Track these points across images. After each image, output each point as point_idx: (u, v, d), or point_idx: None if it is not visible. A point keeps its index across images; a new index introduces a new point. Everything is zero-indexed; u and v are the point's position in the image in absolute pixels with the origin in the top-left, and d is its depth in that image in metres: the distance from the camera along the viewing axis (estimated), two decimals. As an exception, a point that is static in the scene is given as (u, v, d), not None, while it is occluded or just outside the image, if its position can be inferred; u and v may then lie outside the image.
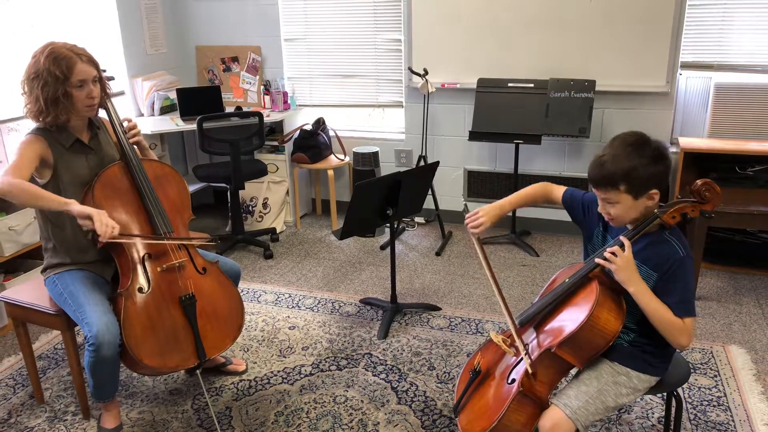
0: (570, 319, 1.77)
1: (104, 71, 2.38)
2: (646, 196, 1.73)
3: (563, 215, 2.37)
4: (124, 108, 4.31)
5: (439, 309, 3.31)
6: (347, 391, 2.65)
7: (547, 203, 2.13)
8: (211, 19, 4.76)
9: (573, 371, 1.90)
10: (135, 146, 2.43)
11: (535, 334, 1.90)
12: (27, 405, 2.62)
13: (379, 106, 4.69)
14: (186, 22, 4.83)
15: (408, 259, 4.00)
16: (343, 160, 4.55)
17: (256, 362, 2.88)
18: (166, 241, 2.33)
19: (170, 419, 2.51)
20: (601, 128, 4.03)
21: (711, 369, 2.72)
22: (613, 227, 1.89)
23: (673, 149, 3.75)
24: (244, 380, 2.74)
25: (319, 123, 4.57)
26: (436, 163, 3.19)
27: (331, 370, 2.80)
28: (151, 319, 2.23)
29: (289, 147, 4.47)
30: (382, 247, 4.17)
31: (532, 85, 3.91)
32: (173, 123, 4.27)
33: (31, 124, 2.32)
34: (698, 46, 3.79)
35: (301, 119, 4.67)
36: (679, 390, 2.10)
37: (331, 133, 4.63)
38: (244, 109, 4.64)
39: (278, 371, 2.80)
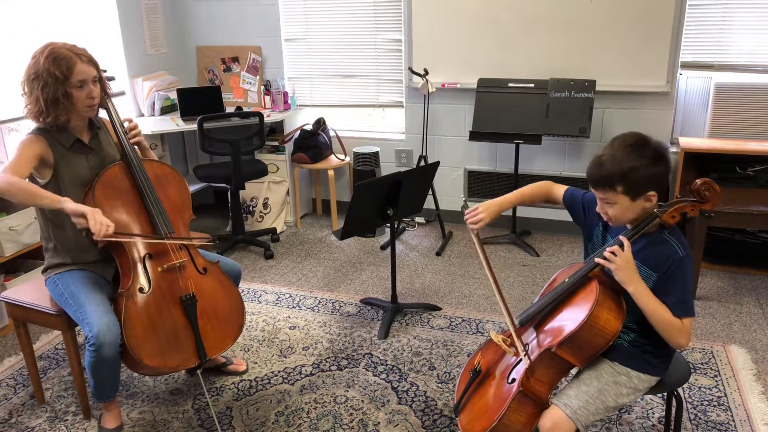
0: (570, 319, 1.77)
1: (104, 71, 2.38)
2: (644, 198, 1.73)
3: (563, 215, 2.37)
4: (124, 108, 4.31)
5: (439, 309, 3.31)
6: (348, 391, 2.65)
7: (548, 202, 2.13)
8: (212, 20, 4.77)
9: (573, 371, 1.91)
10: (135, 146, 2.43)
11: (535, 334, 1.91)
12: (28, 405, 2.62)
13: (379, 106, 4.69)
14: (186, 22, 4.83)
15: (408, 259, 4.01)
16: (343, 160, 4.55)
17: (256, 362, 2.88)
18: (161, 241, 2.32)
19: (171, 419, 2.51)
20: (602, 128, 4.03)
21: (711, 369, 2.72)
22: (613, 227, 1.89)
23: (673, 149, 3.76)
24: (245, 380, 2.74)
25: (320, 123, 4.57)
26: (437, 163, 3.19)
27: (331, 370, 2.80)
28: (152, 319, 2.23)
29: (289, 147, 4.47)
30: (383, 247, 4.17)
31: (532, 85, 3.91)
32: (174, 123, 4.27)
33: (31, 125, 2.32)
34: (698, 46, 3.79)
35: (301, 119, 4.67)
36: (680, 390, 2.10)
37: (332, 133, 4.63)
38: (245, 109, 4.65)
39: (279, 371, 2.80)
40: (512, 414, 1.78)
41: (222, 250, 4.03)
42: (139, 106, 4.53)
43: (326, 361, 2.87)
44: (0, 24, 3.47)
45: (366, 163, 4.37)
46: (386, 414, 2.50)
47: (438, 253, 4.06)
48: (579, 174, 4.13)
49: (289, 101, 4.59)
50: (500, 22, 4.00)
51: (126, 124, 2.43)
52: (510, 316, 1.96)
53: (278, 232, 4.44)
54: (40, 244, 2.49)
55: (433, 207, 4.27)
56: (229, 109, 4.61)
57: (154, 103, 4.50)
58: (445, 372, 2.76)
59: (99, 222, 2.07)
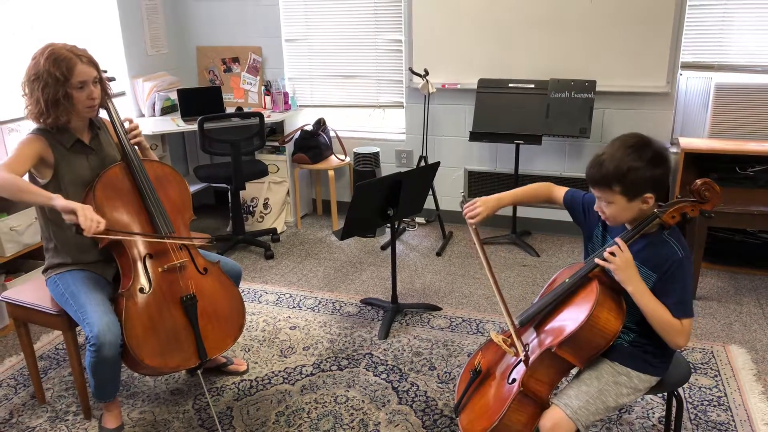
0: (570, 319, 1.77)
1: (105, 72, 2.39)
2: (641, 200, 1.73)
3: (563, 215, 2.37)
4: (124, 109, 4.32)
5: (439, 309, 3.31)
6: (348, 391, 2.65)
7: (548, 202, 2.13)
8: (212, 20, 4.77)
9: (573, 371, 1.91)
10: (136, 147, 2.44)
11: (535, 334, 1.91)
12: (28, 405, 2.63)
13: (379, 107, 4.69)
14: (187, 22, 4.84)
15: (408, 259, 4.01)
16: (343, 160, 4.55)
17: (257, 362, 2.88)
18: (154, 239, 2.32)
19: (171, 419, 2.51)
20: (602, 129, 4.03)
21: (711, 369, 2.72)
22: (613, 227, 1.89)
23: (673, 149, 3.76)
24: (245, 380, 2.75)
25: (320, 123, 4.58)
26: (437, 164, 3.19)
27: (332, 370, 2.80)
28: (152, 319, 2.24)
29: (289, 147, 4.47)
30: (383, 248, 4.18)
31: (532, 85, 3.91)
32: (174, 123, 4.28)
33: (32, 125, 2.32)
34: (698, 47, 3.79)
35: (301, 120, 4.67)
36: (680, 390, 2.10)
37: (332, 134, 4.63)
38: (245, 109, 4.65)
39: (279, 371, 2.81)
40: (513, 414, 1.78)
41: (222, 251, 4.03)
42: (139, 107, 4.53)
43: (327, 361, 2.87)
44: (0, 24, 3.47)
45: (366, 164, 4.37)
46: (387, 414, 2.50)
47: (438, 254, 4.06)
48: (579, 174, 4.13)
49: (290, 102, 4.59)
50: (501, 22, 4.00)
51: (126, 125, 2.43)
52: (509, 316, 1.96)
53: (278, 232, 4.44)
54: (41, 244, 2.49)
55: (434, 207, 4.28)
56: (230, 110, 4.61)
57: (154, 104, 4.50)
58: (445, 372, 2.76)
59: (89, 218, 2.05)
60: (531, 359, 1.82)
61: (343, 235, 2.97)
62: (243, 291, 3.53)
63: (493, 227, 4.35)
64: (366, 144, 4.57)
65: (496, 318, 3.21)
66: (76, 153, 2.34)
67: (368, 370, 2.79)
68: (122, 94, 4.36)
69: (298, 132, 4.53)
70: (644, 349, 1.84)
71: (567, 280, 1.88)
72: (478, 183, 4.45)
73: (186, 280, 2.34)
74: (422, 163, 4.24)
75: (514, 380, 1.84)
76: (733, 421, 2.39)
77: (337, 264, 3.96)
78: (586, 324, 1.71)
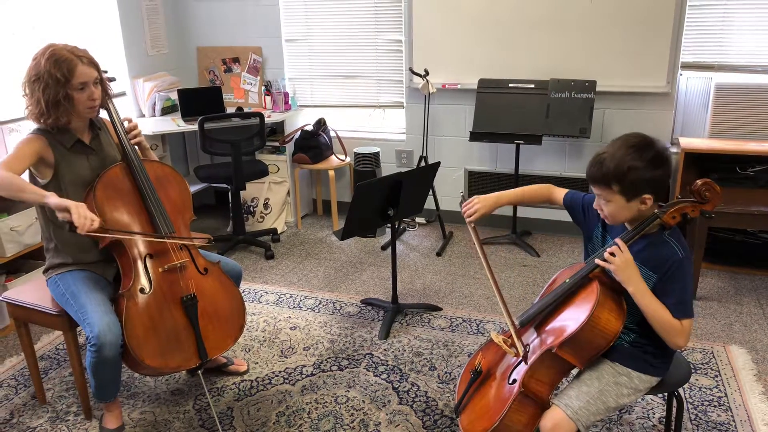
0: (571, 320, 1.77)
1: (105, 72, 2.39)
2: (639, 200, 1.73)
3: (564, 215, 2.37)
4: (125, 109, 4.32)
5: (440, 309, 3.31)
6: (348, 391, 2.65)
7: (548, 203, 2.13)
8: (212, 20, 4.77)
9: (574, 371, 1.91)
10: (136, 147, 2.44)
11: (536, 335, 1.91)
12: (29, 405, 2.63)
13: (379, 107, 4.69)
14: (187, 22, 4.84)
15: (409, 259, 4.01)
16: (343, 160, 4.55)
17: (257, 362, 2.88)
18: (155, 239, 2.32)
19: (172, 419, 2.51)
20: (602, 129, 4.03)
21: (712, 369, 2.72)
22: (613, 228, 1.90)
23: (673, 149, 3.75)
24: (246, 380, 2.75)
25: (320, 123, 4.58)
26: (437, 164, 3.19)
27: (332, 371, 2.80)
28: (153, 319, 2.24)
29: (290, 147, 4.48)
30: (383, 248, 4.18)
31: (532, 85, 3.91)
32: (174, 124, 4.28)
33: (32, 125, 2.32)
34: (699, 47, 3.79)
35: (302, 120, 4.68)
36: (680, 390, 2.10)
37: (332, 134, 4.63)
38: (245, 109, 4.65)
39: (279, 371, 2.81)
40: (513, 414, 1.78)
41: (223, 251, 4.03)
42: (140, 107, 4.54)
43: (327, 362, 2.87)
44: (1, 24, 3.47)
45: (366, 164, 4.37)
46: (387, 414, 2.50)
47: (438, 254, 4.06)
48: (579, 174, 4.14)
49: (290, 102, 4.59)
50: (501, 22, 4.00)
51: (126, 124, 2.43)
52: (509, 316, 1.96)
53: (279, 232, 4.44)
54: (41, 244, 2.49)
55: (434, 207, 4.28)
56: (230, 110, 4.61)
57: (154, 104, 4.50)
58: (445, 372, 2.77)
59: (83, 216, 2.04)
60: (531, 360, 1.82)
61: (344, 235, 2.97)
62: (243, 291, 3.53)
63: (493, 227, 4.35)
64: (366, 144, 4.57)
65: (497, 318, 3.21)
66: (77, 153, 2.34)
67: (369, 371, 2.79)
68: (123, 94, 4.37)
69: (299, 132, 4.53)
70: (644, 349, 1.84)
71: (567, 281, 1.88)
72: (479, 183, 4.45)
73: (186, 280, 2.34)
74: (422, 163, 4.24)
75: (514, 381, 1.84)
76: (734, 421, 2.40)
77: (338, 264, 3.97)
78: (587, 324, 1.71)
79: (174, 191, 2.49)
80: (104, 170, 2.34)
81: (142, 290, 2.25)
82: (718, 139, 3.66)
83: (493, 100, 3.98)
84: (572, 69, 3.89)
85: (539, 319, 1.93)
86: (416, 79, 4.20)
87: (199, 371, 2.39)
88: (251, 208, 4.53)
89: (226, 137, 3.89)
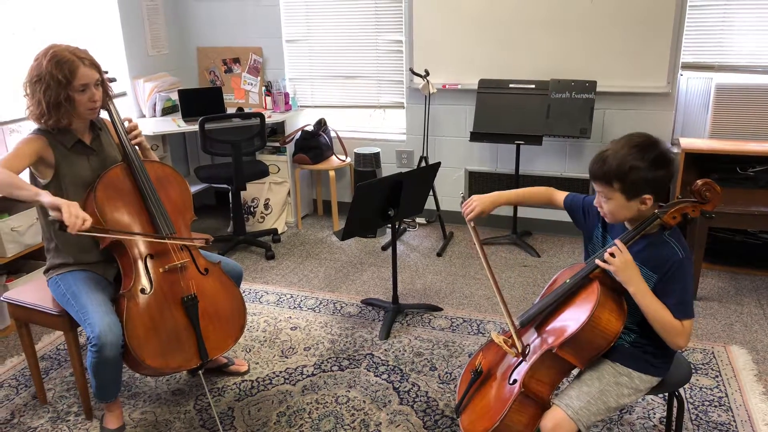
0: (571, 320, 1.78)
1: (106, 73, 2.39)
2: (639, 200, 1.73)
3: (564, 216, 2.37)
4: (125, 109, 4.32)
5: (440, 309, 3.31)
6: (349, 391, 2.66)
7: (548, 205, 2.14)
8: (213, 20, 4.77)
9: (575, 372, 1.91)
10: (136, 147, 2.44)
11: (536, 335, 1.91)
12: (30, 405, 2.63)
13: (380, 107, 4.69)
14: (187, 23, 4.84)
15: (409, 259, 4.01)
16: (344, 161, 4.56)
17: (258, 363, 2.88)
18: (155, 239, 2.32)
19: (173, 419, 2.51)
20: (602, 129, 4.03)
21: (712, 369, 2.72)
22: (613, 228, 1.90)
23: (674, 150, 3.76)
24: (246, 381, 2.75)
25: (321, 124, 4.58)
26: (438, 164, 3.19)
27: (333, 371, 2.80)
28: (154, 319, 2.24)
29: (290, 148, 4.48)
30: (384, 248, 4.18)
31: (533, 86, 3.91)
32: (175, 124, 4.28)
33: (33, 126, 2.32)
34: (699, 47, 3.79)
35: (302, 120, 4.68)
36: (681, 390, 2.10)
37: (333, 134, 4.64)
38: (246, 110, 4.65)
39: (280, 372, 2.81)
40: (514, 415, 1.79)
41: (223, 251, 4.03)
42: (140, 107, 4.54)
43: (328, 362, 2.87)
44: (1, 25, 3.48)
45: (367, 164, 4.37)
46: (388, 414, 2.50)
47: (439, 254, 4.06)
48: (580, 175, 4.14)
49: (290, 102, 4.59)
50: (501, 23, 4.01)
51: (126, 125, 2.43)
52: (509, 316, 1.96)
53: (279, 232, 4.44)
54: (42, 244, 2.49)
55: (434, 208, 4.28)
56: (230, 110, 4.61)
57: (155, 104, 4.50)
58: (446, 372, 2.77)
59: (74, 215, 2.03)
60: (532, 360, 1.83)
61: (344, 235, 2.97)
62: (244, 291, 3.53)
63: (493, 227, 4.36)
64: (367, 144, 4.57)
65: (497, 318, 3.22)
66: (77, 153, 2.34)
67: (369, 371, 2.79)
68: (123, 94, 4.37)
69: (299, 132, 4.54)
70: (645, 349, 1.84)
71: (568, 281, 1.88)
72: (479, 183, 4.45)
73: (187, 280, 2.34)
74: (423, 164, 4.24)
75: (515, 381, 1.84)
76: (734, 421, 2.40)
77: (338, 264, 3.97)
78: (588, 325, 1.72)
79: (174, 191, 2.49)
80: (105, 171, 2.34)
81: (142, 290, 2.25)
82: (719, 140, 3.67)
83: (494, 101, 3.98)
84: (572, 69, 3.89)
85: (540, 319, 1.93)
86: (417, 79, 4.20)
87: (200, 371, 2.40)
88: (252, 209, 4.53)
89: (227, 138, 3.89)
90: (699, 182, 1.76)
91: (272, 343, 3.05)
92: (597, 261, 1.79)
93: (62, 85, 2.17)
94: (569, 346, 1.76)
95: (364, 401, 2.59)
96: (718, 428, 2.36)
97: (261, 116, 3.98)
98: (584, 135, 3.76)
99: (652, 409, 2.47)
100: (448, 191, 4.48)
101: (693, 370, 2.62)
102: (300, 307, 3.41)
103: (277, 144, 4.46)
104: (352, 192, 4.71)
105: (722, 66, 3.78)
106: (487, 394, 1.93)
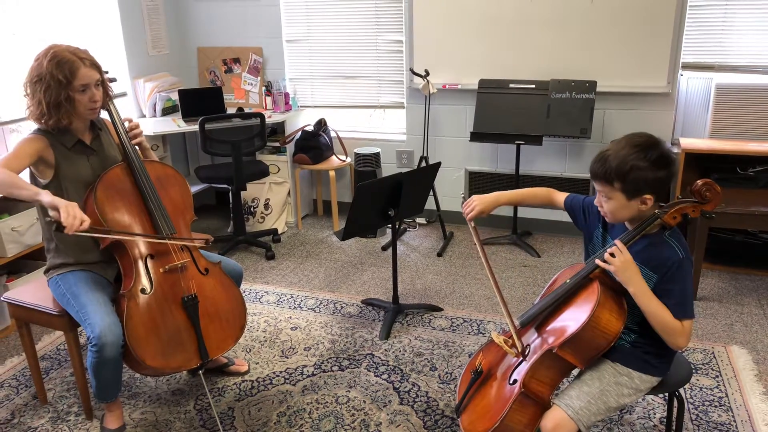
0: (571, 320, 1.78)
1: (106, 73, 2.39)
2: (639, 200, 1.73)
3: (564, 216, 2.38)
4: (126, 109, 4.32)
5: (440, 309, 3.31)
6: (349, 391, 2.66)
7: (549, 206, 2.14)
8: (213, 21, 4.77)
9: (575, 372, 1.91)
10: (137, 147, 2.44)
11: (536, 335, 1.91)
12: (30, 405, 2.63)
13: (380, 107, 4.69)
14: (187, 23, 4.84)
15: (409, 259, 4.01)
16: (344, 161, 4.56)
17: (258, 363, 2.88)
18: (155, 240, 2.32)
19: (173, 420, 2.51)
20: (603, 129, 4.03)
21: (713, 369, 2.72)
22: (613, 228, 1.90)
23: (674, 150, 3.76)
24: (247, 381, 2.75)
25: (321, 124, 4.58)
26: (438, 164, 3.20)
27: (333, 371, 2.80)
28: (154, 320, 2.24)
29: (290, 148, 4.48)
30: (384, 248, 4.18)
31: (533, 86, 3.91)
32: (175, 124, 4.28)
33: (33, 126, 2.32)
34: (699, 47, 3.79)
35: (302, 120, 4.68)
36: (681, 390, 2.10)
37: (333, 134, 4.64)
38: (246, 110, 4.65)
39: (280, 372, 2.81)
40: (514, 415, 1.79)
41: (223, 251, 4.03)
42: (140, 107, 4.54)
43: (328, 362, 2.87)
44: (1, 25, 3.48)
45: (367, 164, 4.37)
46: (388, 414, 2.50)
47: (439, 254, 4.06)
48: (580, 175, 4.14)
49: (290, 102, 4.60)
50: (501, 22, 4.01)
51: (126, 124, 2.43)
52: (509, 316, 1.96)
53: (279, 232, 4.44)
54: (42, 244, 2.49)
55: (434, 208, 4.28)
56: (231, 110, 4.61)
57: (155, 104, 4.51)
58: (446, 372, 2.77)
59: (72, 215, 2.03)
60: (532, 360, 1.83)
61: (344, 235, 2.98)
62: (244, 291, 3.53)
63: (493, 228, 4.36)
64: (367, 144, 4.57)
65: (497, 318, 3.22)
66: (78, 153, 2.34)
67: (369, 371, 2.79)
68: (123, 94, 4.37)
69: (299, 132, 4.54)
70: (645, 349, 1.84)
71: (568, 281, 1.88)
72: (479, 183, 4.45)
73: (187, 280, 2.34)
74: (423, 164, 4.24)
75: (515, 381, 1.84)
76: (735, 421, 2.40)
77: (338, 264, 3.97)
78: (588, 325, 1.72)
79: (175, 191, 2.49)
80: (105, 171, 2.34)
81: (143, 290, 2.25)
82: (719, 140, 3.67)
83: (494, 101, 3.98)
84: (573, 69, 3.89)
85: (540, 319, 1.93)
86: (417, 79, 4.20)
87: (200, 371, 2.40)
88: (252, 209, 4.53)
89: (227, 138, 3.89)
90: (699, 182, 1.76)
91: (272, 343, 3.05)
92: (597, 261, 1.79)
93: (62, 85, 2.17)
94: (569, 346, 1.76)
95: (364, 401, 2.59)
96: (719, 428, 2.36)
97: (261, 116, 3.98)
98: (584, 135, 3.76)
99: (653, 409, 2.47)
100: (448, 191, 4.48)
101: (693, 370, 2.62)
102: (300, 307, 3.41)
103: (277, 144, 4.46)
104: (352, 192, 4.71)
105: (722, 66, 3.78)
106: (488, 394, 1.93)
